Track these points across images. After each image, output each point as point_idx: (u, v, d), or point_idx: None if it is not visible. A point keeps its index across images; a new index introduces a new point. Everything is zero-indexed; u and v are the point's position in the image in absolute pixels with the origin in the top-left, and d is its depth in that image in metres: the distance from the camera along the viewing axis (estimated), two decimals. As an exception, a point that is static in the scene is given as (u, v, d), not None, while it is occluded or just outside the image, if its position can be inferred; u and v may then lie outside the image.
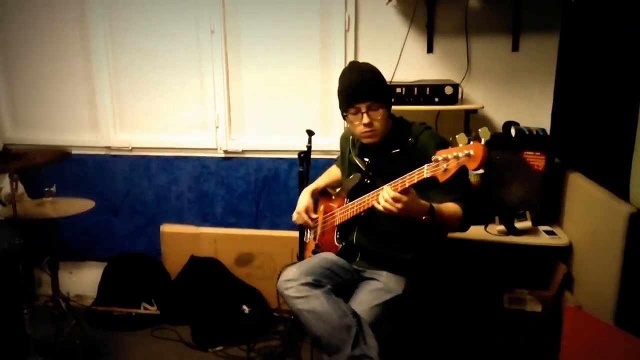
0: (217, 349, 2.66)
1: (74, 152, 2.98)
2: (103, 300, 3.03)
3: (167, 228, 3.09)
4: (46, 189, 2.30)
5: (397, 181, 1.61)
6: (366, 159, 1.92)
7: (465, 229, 1.83)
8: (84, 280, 3.23)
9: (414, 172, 1.57)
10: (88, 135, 3.11)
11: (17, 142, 3.13)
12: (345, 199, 1.96)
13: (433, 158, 1.52)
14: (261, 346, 2.67)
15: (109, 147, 3.09)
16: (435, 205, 1.66)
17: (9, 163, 2.20)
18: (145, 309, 2.97)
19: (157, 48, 2.93)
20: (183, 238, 3.05)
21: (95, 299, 3.08)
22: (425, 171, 1.54)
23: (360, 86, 1.80)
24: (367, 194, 1.78)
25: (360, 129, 1.83)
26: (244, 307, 2.86)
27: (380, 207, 1.62)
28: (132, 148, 3.07)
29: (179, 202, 3.10)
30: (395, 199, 1.57)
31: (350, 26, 2.69)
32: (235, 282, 2.97)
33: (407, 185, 1.58)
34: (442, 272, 2.03)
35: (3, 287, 2.21)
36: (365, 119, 1.80)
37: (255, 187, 2.99)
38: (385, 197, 1.60)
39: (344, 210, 1.94)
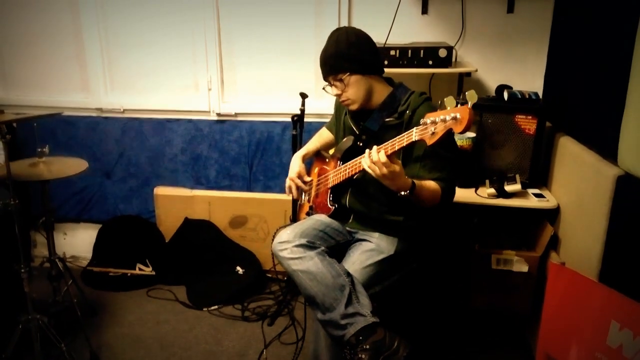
0: (212, 308, 2.73)
1: (65, 113, 2.95)
2: (98, 261, 3.07)
3: (161, 191, 3.10)
4: (39, 149, 2.29)
5: (387, 144, 1.63)
6: (361, 123, 1.93)
7: (444, 207, 1.86)
8: (78, 241, 3.26)
9: (403, 135, 1.59)
10: (79, 96, 3.08)
11: (7, 103, 3.08)
12: (339, 162, 1.98)
13: (422, 121, 1.54)
14: (255, 305, 2.74)
15: (100, 109, 3.06)
16: (417, 182, 1.68)
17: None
18: (140, 269, 3.02)
19: (149, 6, 2.87)
20: (177, 200, 3.07)
21: (90, 260, 3.12)
22: (414, 134, 1.56)
23: (322, 61, 1.88)
24: (360, 157, 1.80)
25: (338, 100, 1.90)
26: (238, 268, 2.92)
27: (365, 167, 1.64)
28: (124, 110, 3.04)
29: (172, 165, 3.10)
30: (383, 163, 1.58)
31: (344, -13, 2.65)
32: (229, 244, 3.01)
33: (396, 148, 1.59)
34: (433, 233, 2.07)
35: (1, 248, 2.24)
36: (334, 91, 1.88)
37: (249, 151, 2.99)
38: (373, 158, 1.61)
39: (337, 173, 1.96)
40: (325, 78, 1.90)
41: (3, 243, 2.25)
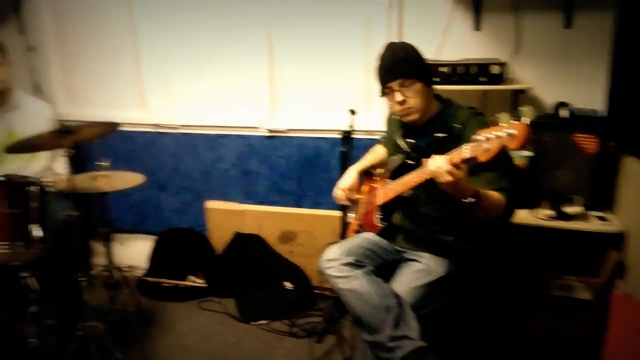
0: (261, 322, 2.75)
1: (123, 128, 3.09)
2: (153, 271, 3.17)
3: (212, 205, 3.17)
4: (99, 163, 2.40)
5: (452, 152, 1.55)
6: (410, 140, 1.90)
7: (506, 219, 1.79)
8: (135, 252, 3.37)
9: (453, 152, 1.54)
10: (137, 112, 3.21)
11: (70, 118, 3.25)
12: (388, 180, 1.95)
13: (473, 137, 1.48)
14: (303, 322, 2.73)
15: (156, 125, 3.18)
16: (481, 190, 1.62)
17: (64, 138, 2.29)
18: (192, 281, 3.08)
19: (201, 26, 2.97)
20: (227, 214, 3.13)
21: (145, 270, 3.22)
22: (465, 150, 1.50)
23: (390, 65, 1.80)
24: (409, 174, 1.77)
25: (397, 108, 1.83)
26: (287, 283, 2.93)
27: (429, 172, 1.56)
28: (179, 126, 3.15)
29: (223, 180, 3.17)
30: (448, 171, 1.51)
31: (394, 2, 2.64)
32: (278, 259, 3.03)
33: (455, 160, 1.52)
34: (486, 255, 2.01)
35: (61, 256, 2.35)
36: (398, 97, 1.78)
37: (298, 166, 3.02)
38: (438, 163, 1.53)
39: (386, 191, 1.94)
40: (388, 83, 1.80)
41: (65, 252, 2.35)
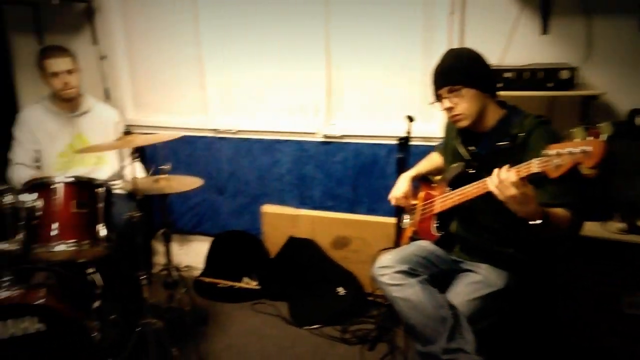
0: (313, 327, 2.75)
1: (185, 133, 3.20)
2: (209, 272, 3.25)
3: (267, 209, 3.21)
4: (162, 167, 2.49)
5: (520, 165, 1.47)
6: (471, 148, 1.84)
7: (571, 234, 1.69)
8: (192, 252, 3.48)
9: (521, 166, 1.47)
10: (198, 117, 3.31)
11: (136, 123, 3.40)
12: (447, 188, 1.90)
13: (543, 152, 1.41)
14: (355, 328, 2.70)
15: (216, 130, 3.26)
16: (548, 210, 1.52)
17: (130, 141, 2.40)
18: (247, 283, 3.13)
19: (262, 35, 3.03)
20: (282, 219, 3.16)
21: (202, 270, 3.30)
22: (535, 165, 1.43)
23: (439, 72, 1.79)
24: (470, 185, 1.72)
25: (447, 115, 1.81)
26: (339, 289, 2.91)
27: (492, 187, 1.49)
28: (237, 131, 3.22)
29: (279, 184, 3.20)
30: (513, 183, 1.43)
31: (456, 7, 2.58)
32: (331, 265, 3.03)
33: (523, 174, 1.45)
34: (549, 268, 1.91)
35: (124, 255, 2.45)
36: (446, 104, 1.77)
37: (353, 172, 3.00)
38: (502, 176, 1.46)
39: (444, 199, 1.89)
40: (438, 91, 1.80)
41: (128, 251, 2.45)
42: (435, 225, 1.95)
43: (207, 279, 3.20)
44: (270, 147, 3.16)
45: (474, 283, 1.77)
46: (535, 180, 1.47)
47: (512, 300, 1.79)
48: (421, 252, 1.88)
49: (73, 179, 2.06)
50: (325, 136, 3.03)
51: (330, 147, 3.03)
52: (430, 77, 1.84)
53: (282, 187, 3.20)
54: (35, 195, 1.95)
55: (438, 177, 2.15)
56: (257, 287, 3.11)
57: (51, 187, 1.99)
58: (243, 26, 3.06)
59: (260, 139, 3.17)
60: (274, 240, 3.19)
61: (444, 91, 1.77)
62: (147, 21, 3.26)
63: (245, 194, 3.29)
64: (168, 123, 3.33)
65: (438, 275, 1.84)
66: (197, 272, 3.34)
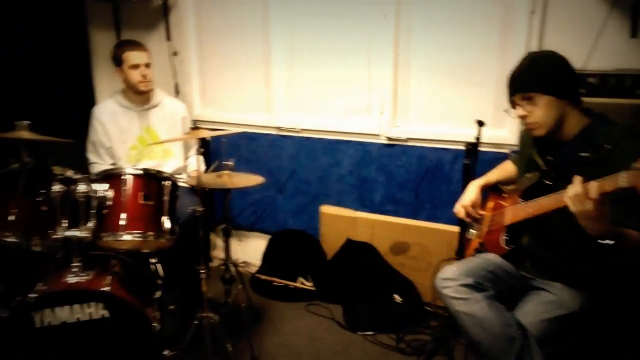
0: (367, 333, 2.69)
1: (249, 130, 3.23)
2: (265, 269, 3.26)
3: (326, 209, 3.19)
4: (225, 163, 2.52)
5: (605, 178, 1.34)
6: (548, 157, 1.73)
7: None
8: (249, 249, 3.51)
9: (607, 179, 1.33)
10: (263, 115, 3.33)
11: (203, 118, 3.47)
12: (519, 199, 1.79)
13: (634, 165, 1.28)
14: (411, 338, 2.62)
15: (279, 128, 3.27)
16: (623, 231, 1.40)
17: (196, 135, 2.45)
18: (302, 283, 3.12)
19: (331, 33, 3.00)
20: (341, 220, 3.12)
21: (258, 267, 3.33)
22: (622, 179, 1.29)
23: (513, 78, 1.70)
24: (545, 196, 1.60)
25: (522, 123, 1.72)
26: (396, 296, 2.84)
27: (567, 197, 1.39)
28: (300, 129, 3.21)
29: (339, 185, 3.17)
30: (592, 199, 1.32)
31: (537, 6, 2.44)
32: (388, 270, 2.96)
33: (608, 188, 1.32)
34: (630, 291, 1.76)
35: (186, 248, 2.50)
36: (519, 111, 1.68)
37: (416, 177, 2.92)
38: (580, 189, 1.35)
39: (516, 211, 1.78)
40: (511, 97, 1.72)
41: (190, 244, 2.50)
42: (504, 238, 1.84)
43: (263, 277, 3.22)
44: (332, 147, 3.13)
45: (546, 303, 1.66)
46: (616, 196, 1.35)
47: (588, 324, 1.66)
48: (488, 265, 1.78)
49: (142, 171, 2.11)
50: (389, 138, 2.96)
51: (393, 149, 2.96)
52: (505, 82, 1.75)
53: (342, 189, 3.16)
54: (106, 186, 2.02)
55: (509, 187, 2.03)
56: (312, 288, 3.09)
57: (122, 177, 2.05)
58: (311, 26, 3.05)
59: (323, 139, 3.15)
60: (331, 241, 3.16)
61: (517, 98, 1.69)
62: (218, 19, 3.31)
63: (304, 193, 3.28)
64: (233, 120, 3.38)
65: (505, 292, 1.74)
66: (253, 269, 3.37)
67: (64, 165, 2.05)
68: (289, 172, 3.28)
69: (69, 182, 1.97)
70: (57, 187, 1.91)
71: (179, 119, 2.87)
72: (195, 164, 2.72)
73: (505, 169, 2.09)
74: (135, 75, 2.63)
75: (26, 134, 1.99)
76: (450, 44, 2.72)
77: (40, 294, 1.84)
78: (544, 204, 1.60)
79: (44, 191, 1.99)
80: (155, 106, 2.80)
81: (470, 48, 2.68)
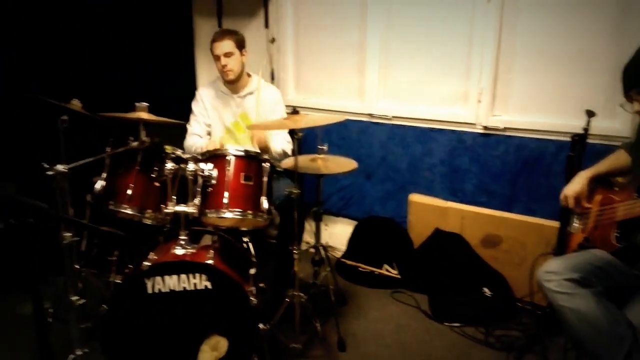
0: (454, 324, 2.65)
1: (342, 117, 3.25)
2: (351, 255, 3.31)
3: (415, 198, 3.16)
4: (319, 147, 2.57)
5: None
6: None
7: None
8: (336, 234, 3.57)
9: None
10: (355, 102, 3.35)
11: (297, 104, 3.54)
12: (634, 193, 1.68)
13: None
14: (500, 333, 2.55)
15: (371, 115, 3.28)
16: None
17: (295, 121, 2.51)
18: (387, 270, 3.13)
19: (429, 20, 2.95)
20: (430, 210, 3.08)
21: (344, 252, 3.38)
22: None
23: (626, 74, 1.63)
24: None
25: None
26: (485, 289, 2.77)
27: None
28: (392, 117, 3.20)
29: (430, 174, 3.13)
30: None
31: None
32: (478, 262, 2.89)
33: None
34: None
35: (282, 230, 2.59)
36: (636, 107, 1.61)
37: (513, 168, 2.81)
38: None
39: (630, 206, 1.67)
40: (627, 92, 1.63)
41: (285, 226, 2.59)
42: (615, 234, 1.74)
43: (349, 262, 3.27)
44: (424, 135, 3.10)
45: (661, 304, 1.55)
46: None
47: None
48: (596, 261, 1.69)
49: (243, 152, 2.21)
50: (486, 128, 2.87)
51: (490, 139, 2.87)
52: (620, 69, 1.65)
53: (433, 177, 3.12)
54: (211, 165, 2.14)
55: (621, 180, 1.91)
56: (397, 276, 3.09)
57: (226, 158, 2.16)
58: (408, 12, 3.02)
59: (415, 127, 3.12)
60: (418, 230, 3.13)
61: (633, 92, 1.61)
62: (315, 7, 3.37)
63: (393, 180, 3.27)
64: (326, 105, 3.43)
65: (614, 289, 1.64)
66: (338, 253, 3.43)
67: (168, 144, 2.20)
68: (379, 159, 3.29)
69: (180, 161, 2.12)
70: (169, 166, 2.05)
71: (273, 104, 2.94)
72: (280, 142, 2.79)
73: (618, 159, 1.95)
74: (218, 66, 2.75)
75: (145, 115, 2.15)
76: (560, 28, 2.57)
77: (153, 263, 2.00)
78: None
79: (157, 168, 2.15)
80: (250, 93, 2.89)
81: (582, 31, 2.52)
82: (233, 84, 2.82)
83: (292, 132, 2.63)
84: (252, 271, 2.31)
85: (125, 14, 3.21)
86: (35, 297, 1.40)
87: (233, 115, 2.88)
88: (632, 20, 2.37)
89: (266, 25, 3.49)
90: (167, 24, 3.48)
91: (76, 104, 2.20)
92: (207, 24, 3.63)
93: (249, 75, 2.90)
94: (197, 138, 2.87)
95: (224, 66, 2.73)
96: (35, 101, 2.19)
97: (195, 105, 2.91)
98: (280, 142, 2.79)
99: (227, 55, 2.71)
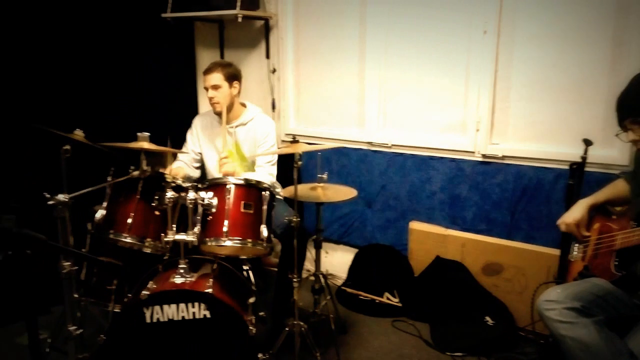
0: (456, 354, 2.62)
1: (342, 145, 3.29)
2: (351, 282, 3.29)
3: (415, 225, 3.16)
4: (319, 175, 2.59)
5: None
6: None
7: None
8: (335, 261, 3.55)
9: None
10: (354, 130, 3.38)
11: (297, 133, 3.57)
12: (631, 222, 1.69)
13: None
14: (503, 363, 2.53)
15: (370, 143, 3.31)
16: None
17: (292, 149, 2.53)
18: (388, 299, 3.11)
19: (427, 51, 3.00)
20: (430, 237, 3.08)
21: (345, 280, 3.36)
22: None
23: (620, 104, 1.66)
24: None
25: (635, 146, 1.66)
26: (487, 318, 2.75)
27: None
28: (392, 145, 3.22)
29: (430, 202, 3.13)
30: None
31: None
32: (480, 291, 2.87)
33: None
34: None
35: (283, 258, 2.59)
36: (631, 136, 1.64)
37: (513, 196, 2.82)
38: None
39: (628, 235, 1.67)
40: (621, 122, 1.66)
41: (285, 253, 2.59)
42: (614, 262, 1.74)
43: (349, 290, 3.25)
44: (423, 163, 3.11)
45: (663, 334, 1.54)
46: None
47: None
48: (597, 290, 1.68)
49: (243, 181, 2.23)
50: (485, 156, 2.89)
51: (489, 167, 2.89)
52: (615, 99, 1.68)
53: (433, 205, 3.12)
54: (211, 194, 2.15)
55: (618, 209, 1.91)
56: (399, 304, 3.06)
57: (226, 187, 2.18)
58: (407, 43, 3.07)
59: (415, 155, 3.14)
60: (419, 258, 3.12)
61: (627, 122, 1.64)
62: (315, 38, 3.43)
63: (393, 208, 3.27)
64: (326, 134, 3.46)
65: (616, 319, 1.63)
66: (339, 281, 3.41)
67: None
68: (379, 187, 3.30)
69: (180, 190, 2.14)
70: (170, 194, 2.07)
71: (262, 138, 2.84)
72: (261, 175, 2.76)
73: (617, 188, 1.97)
74: (208, 97, 2.77)
75: (146, 145, 2.17)
76: (556, 59, 2.62)
77: (151, 292, 1.99)
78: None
79: (158, 197, 2.16)
80: (243, 124, 2.85)
81: (577, 63, 2.57)
82: (229, 113, 2.80)
83: (291, 161, 2.64)
84: (252, 300, 2.31)
85: (128, 45, 3.28)
86: (31, 327, 1.39)
87: (228, 144, 2.89)
88: (625, 52, 2.41)
89: (267, 55, 3.55)
90: (170, 54, 3.55)
91: (79, 134, 2.23)
92: (209, 54, 3.71)
93: (244, 106, 2.90)
94: (180, 164, 2.91)
95: (210, 98, 2.74)
96: (38, 131, 2.22)
97: (189, 133, 2.95)
98: (261, 176, 2.74)
99: (215, 87, 2.72)
